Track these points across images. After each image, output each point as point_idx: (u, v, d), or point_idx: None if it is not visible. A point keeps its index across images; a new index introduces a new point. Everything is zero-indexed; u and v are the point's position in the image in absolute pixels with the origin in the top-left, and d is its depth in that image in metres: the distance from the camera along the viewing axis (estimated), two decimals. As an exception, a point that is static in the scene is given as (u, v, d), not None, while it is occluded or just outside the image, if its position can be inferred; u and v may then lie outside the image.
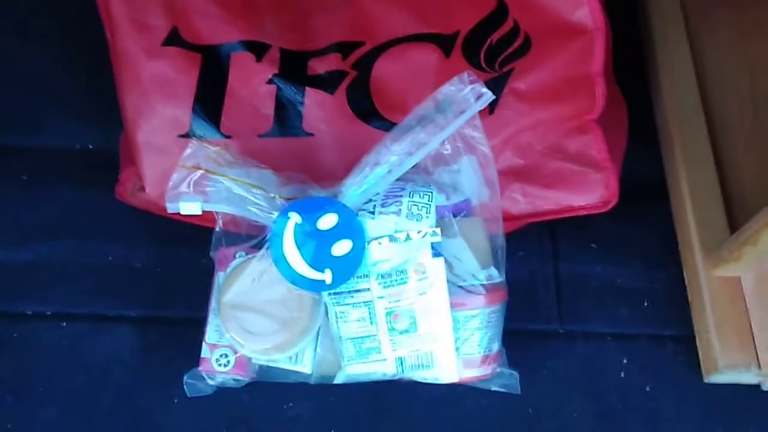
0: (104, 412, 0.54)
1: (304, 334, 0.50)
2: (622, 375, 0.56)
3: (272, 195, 0.50)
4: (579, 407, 0.55)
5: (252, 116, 0.56)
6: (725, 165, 0.61)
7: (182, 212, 0.51)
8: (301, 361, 0.51)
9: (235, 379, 0.52)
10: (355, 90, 0.57)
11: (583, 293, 0.59)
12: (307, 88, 0.57)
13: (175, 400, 0.54)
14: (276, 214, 0.49)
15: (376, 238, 0.49)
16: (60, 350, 0.55)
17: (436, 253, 0.49)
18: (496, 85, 0.56)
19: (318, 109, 0.56)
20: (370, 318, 0.49)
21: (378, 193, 0.50)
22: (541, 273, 0.60)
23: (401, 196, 0.50)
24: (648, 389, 0.56)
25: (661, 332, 0.58)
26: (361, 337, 0.50)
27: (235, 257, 0.52)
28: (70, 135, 0.64)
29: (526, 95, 0.56)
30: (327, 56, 0.58)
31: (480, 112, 0.53)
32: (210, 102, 0.56)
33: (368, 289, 0.49)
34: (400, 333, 0.49)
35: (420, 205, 0.49)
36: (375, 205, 0.50)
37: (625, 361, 0.57)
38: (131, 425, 0.54)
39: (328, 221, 0.49)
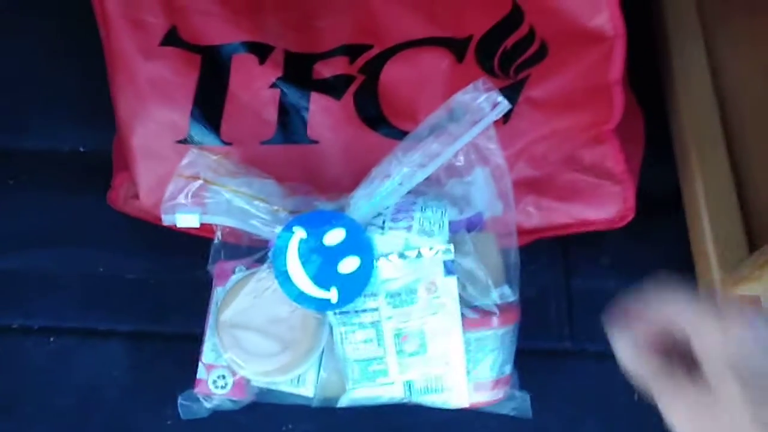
0: (94, 433, 0.51)
1: (308, 355, 0.47)
2: (636, 397, 0.54)
3: (275, 208, 0.47)
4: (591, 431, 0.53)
5: (254, 122, 0.54)
6: (743, 178, 0.59)
7: (179, 225, 0.48)
8: (304, 383, 0.49)
9: (232, 401, 0.49)
10: (363, 95, 0.54)
11: (595, 310, 0.56)
12: (312, 92, 0.54)
13: (169, 422, 0.51)
14: (279, 228, 0.47)
15: (386, 255, 0.47)
16: (48, 367, 0.53)
17: (449, 272, 0.47)
18: (511, 93, 0.54)
19: (323, 115, 0.54)
20: (378, 339, 0.47)
21: (388, 207, 0.48)
22: (553, 288, 0.57)
23: (413, 210, 0.47)
24: (663, 412, 0.54)
25: (677, 352, 0.56)
26: (368, 360, 0.47)
27: (234, 272, 0.49)
28: (59, 137, 0.60)
29: (541, 104, 0.54)
30: (333, 59, 0.55)
31: (494, 121, 0.50)
32: (210, 106, 0.53)
33: (376, 308, 0.47)
34: (409, 355, 0.47)
35: (432, 220, 0.47)
36: (385, 220, 0.47)
37: (639, 383, 0.55)
38: (122, 447, 0.51)
39: (334, 237, 0.47)
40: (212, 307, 0.49)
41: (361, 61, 0.55)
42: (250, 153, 0.53)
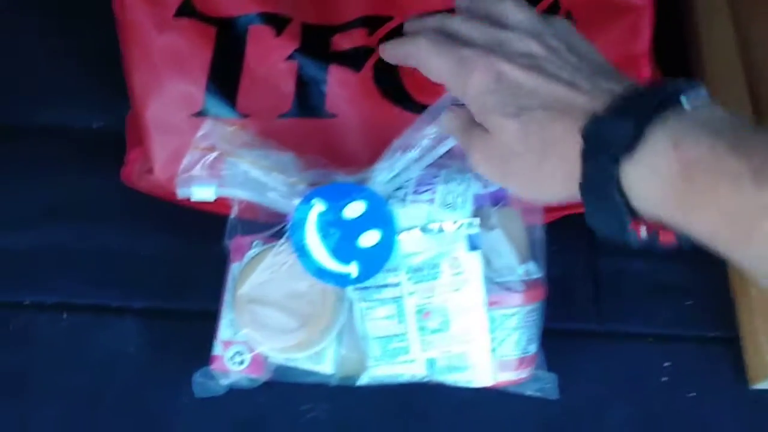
0: (107, 412, 0.50)
1: (327, 331, 0.46)
2: (665, 379, 0.53)
3: (293, 180, 0.46)
4: (618, 413, 0.51)
5: (271, 95, 0.52)
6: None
7: (194, 198, 0.46)
8: (323, 360, 0.47)
9: (249, 379, 0.48)
10: (383, 68, 0.53)
11: (622, 290, 0.55)
12: (330, 65, 0.52)
13: (184, 400, 0.50)
14: (297, 201, 0.45)
15: (407, 229, 0.45)
16: (60, 344, 0.51)
17: (473, 246, 0.45)
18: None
19: (342, 87, 0.52)
20: (399, 316, 0.45)
21: (409, 180, 0.46)
22: (578, 268, 0.55)
23: (435, 183, 0.46)
24: (692, 395, 0.52)
25: (706, 333, 0.54)
26: (389, 337, 0.46)
27: (251, 247, 0.48)
28: (72, 113, 0.59)
29: (567, 76, 0.52)
30: (352, 31, 0.53)
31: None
32: (225, 79, 0.52)
33: (398, 284, 0.45)
34: (432, 332, 0.45)
35: (456, 193, 0.45)
36: (406, 193, 0.46)
37: (667, 365, 0.53)
38: (136, 427, 0.50)
39: (354, 209, 0.45)
40: (229, 283, 0.48)
41: (380, 32, 0.53)
42: (266, 127, 0.51)
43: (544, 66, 0.37)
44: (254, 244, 0.48)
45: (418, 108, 0.52)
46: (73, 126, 0.59)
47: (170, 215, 0.54)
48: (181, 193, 0.47)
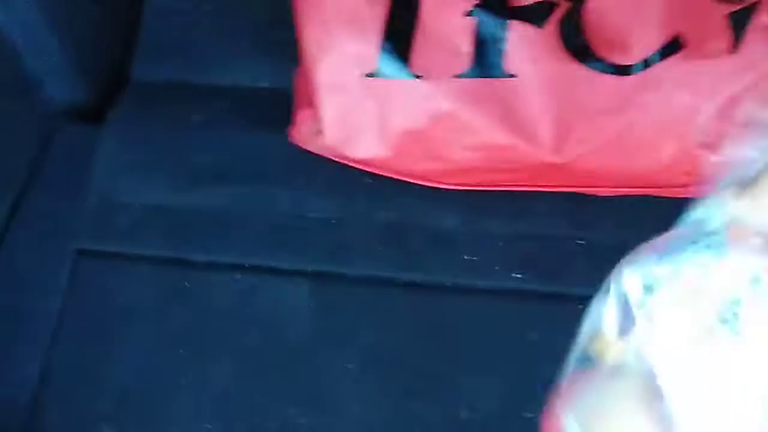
0: (276, 373, 0.50)
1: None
2: None
3: None
4: None
5: (447, 53, 0.49)
6: None
7: None
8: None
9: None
10: (568, 24, 0.48)
11: None
12: (510, 21, 0.49)
13: (350, 365, 0.49)
14: None
15: None
16: (233, 304, 0.52)
17: None
18: (739, 19, 0.47)
19: (523, 45, 0.48)
20: None
21: None
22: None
23: None
24: None
25: None
26: None
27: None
28: (243, 72, 0.59)
29: (778, 31, 0.46)
30: (534, -16, 0.49)
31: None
32: (400, 36, 0.49)
33: None
34: None
35: None
36: None
37: None
38: (303, 389, 0.49)
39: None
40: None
41: (564, -15, 0.49)
42: (442, 88, 0.49)
43: None
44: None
45: (609, 68, 0.48)
46: (246, 85, 0.59)
47: (337, 178, 0.53)
48: None
